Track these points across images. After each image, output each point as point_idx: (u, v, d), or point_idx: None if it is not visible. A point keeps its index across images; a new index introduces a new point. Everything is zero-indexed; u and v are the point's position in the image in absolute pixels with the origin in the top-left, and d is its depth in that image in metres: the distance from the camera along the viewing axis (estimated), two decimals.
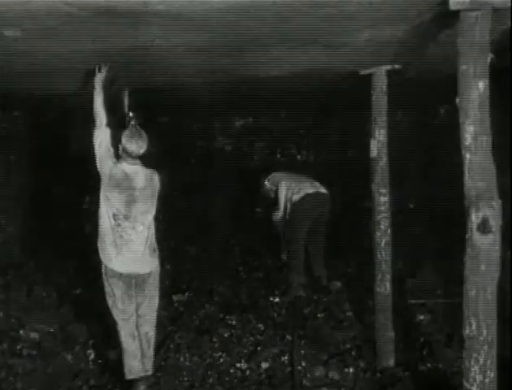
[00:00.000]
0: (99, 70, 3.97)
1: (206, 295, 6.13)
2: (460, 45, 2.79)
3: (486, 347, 2.83)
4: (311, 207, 5.98)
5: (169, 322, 5.37)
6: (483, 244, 2.77)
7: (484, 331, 2.82)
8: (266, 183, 6.52)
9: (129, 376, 3.96)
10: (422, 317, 5.15)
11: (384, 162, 4.21)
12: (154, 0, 2.62)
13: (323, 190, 6.13)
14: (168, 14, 2.83)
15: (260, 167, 8.42)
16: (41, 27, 2.99)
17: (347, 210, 7.87)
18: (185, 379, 4.31)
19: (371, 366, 4.32)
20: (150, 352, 4.05)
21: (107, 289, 3.96)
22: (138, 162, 3.91)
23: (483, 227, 2.75)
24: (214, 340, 4.98)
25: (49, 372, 4.38)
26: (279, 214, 6.25)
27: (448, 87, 3.34)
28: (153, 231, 3.98)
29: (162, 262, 7.03)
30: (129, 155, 3.85)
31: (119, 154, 3.90)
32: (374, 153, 4.22)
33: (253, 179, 7.26)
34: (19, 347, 4.78)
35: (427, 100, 7.32)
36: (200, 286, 6.43)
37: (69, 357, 4.64)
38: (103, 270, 3.93)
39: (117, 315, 3.96)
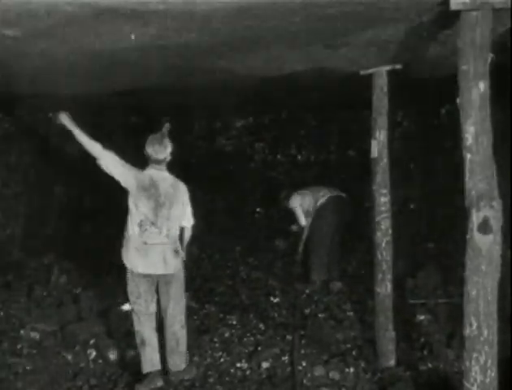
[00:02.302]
0: (58, 118, 4.08)
1: (206, 295, 6.13)
2: (460, 45, 2.79)
3: (486, 347, 2.83)
4: (336, 208, 6.33)
5: None
6: (484, 245, 2.77)
7: (485, 331, 2.83)
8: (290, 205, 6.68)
9: (149, 369, 4.11)
10: (422, 317, 5.15)
11: (384, 163, 4.21)
12: (154, 0, 2.62)
13: (343, 194, 6.49)
14: (168, 14, 2.83)
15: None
16: (41, 27, 2.99)
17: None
18: (186, 378, 4.30)
19: (372, 366, 4.32)
20: (180, 348, 4.21)
21: (130, 287, 4.11)
22: (163, 168, 4.10)
23: (484, 228, 2.75)
24: (215, 339, 4.98)
25: (50, 372, 4.38)
26: (295, 228, 6.66)
27: (448, 87, 3.34)
28: (177, 234, 4.14)
29: None
30: (151, 161, 4.05)
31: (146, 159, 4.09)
32: (374, 153, 4.22)
33: (253, 180, 7.29)
34: (19, 346, 4.78)
35: (427, 100, 7.32)
36: (200, 286, 6.43)
37: (69, 356, 4.63)
38: (128, 269, 4.08)
39: (140, 312, 4.11)
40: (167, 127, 4.37)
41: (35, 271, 6.90)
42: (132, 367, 4.46)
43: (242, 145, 9.17)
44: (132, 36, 3.25)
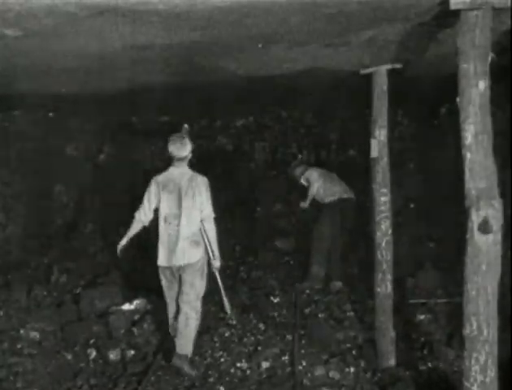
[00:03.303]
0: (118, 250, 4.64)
1: (206, 295, 6.12)
2: (460, 45, 2.79)
3: (486, 347, 2.83)
4: (344, 211, 6.33)
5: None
6: (484, 244, 2.77)
7: (485, 331, 2.83)
8: (301, 177, 6.73)
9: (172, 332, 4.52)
10: (422, 317, 5.15)
11: (384, 162, 4.21)
12: (154, 0, 2.62)
13: (352, 195, 6.47)
14: (168, 14, 2.83)
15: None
16: (41, 27, 2.99)
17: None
18: (186, 378, 4.31)
19: (372, 366, 4.32)
20: (187, 332, 4.36)
21: (160, 275, 4.48)
22: (184, 165, 4.42)
23: (484, 227, 2.75)
24: (215, 339, 4.98)
25: (50, 371, 4.38)
26: (305, 205, 6.60)
27: (448, 86, 3.34)
28: (197, 226, 4.37)
29: None
30: (174, 159, 4.40)
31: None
32: (374, 152, 4.21)
33: (254, 179, 7.27)
34: (19, 346, 4.78)
35: (427, 99, 7.32)
36: None
37: (69, 356, 4.64)
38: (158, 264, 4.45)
39: (165, 296, 4.52)
40: (185, 128, 4.58)
41: (35, 271, 6.90)
42: (132, 367, 4.46)
43: (242, 145, 9.17)
44: (133, 37, 3.26)
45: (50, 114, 7.83)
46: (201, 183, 4.38)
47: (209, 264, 4.52)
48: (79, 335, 4.89)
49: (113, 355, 4.61)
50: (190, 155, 4.45)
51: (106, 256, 7.71)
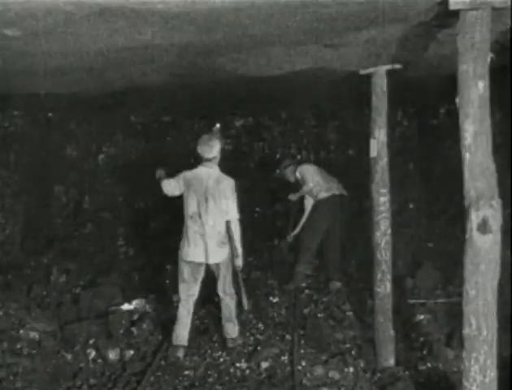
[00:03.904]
0: (157, 175, 4.79)
1: (206, 296, 6.12)
2: (460, 45, 2.79)
3: (486, 346, 2.83)
4: (335, 208, 6.24)
5: (169, 322, 5.37)
6: (484, 244, 2.77)
7: (484, 331, 2.83)
8: (295, 174, 6.60)
9: (175, 342, 4.65)
10: (422, 316, 5.15)
11: (383, 162, 4.21)
12: (154, 0, 2.62)
13: (344, 192, 6.39)
14: (168, 14, 2.83)
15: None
16: (41, 27, 2.99)
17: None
18: (185, 378, 4.31)
19: (371, 366, 4.32)
20: (232, 317, 4.75)
21: (180, 269, 4.67)
22: (213, 165, 4.58)
23: (483, 227, 2.75)
24: (214, 339, 4.98)
25: (49, 371, 4.38)
26: (294, 198, 6.56)
27: (448, 86, 3.34)
28: (223, 227, 4.53)
29: (163, 262, 7.10)
30: (203, 159, 4.56)
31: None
32: (374, 152, 4.22)
33: (253, 179, 7.26)
34: (19, 346, 4.77)
35: (427, 100, 7.33)
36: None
37: (69, 356, 4.63)
38: (179, 255, 4.65)
39: (182, 291, 4.67)
40: (217, 128, 4.64)
41: (35, 271, 6.90)
42: (131, 367, 4.46)
43: (242, 145, 9.16)
44: (133, 37, 3.26)
45: (50, 114, 7.84)
46: (228, 185, 4.52)
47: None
48: (78, 335, 4.88)
49: (112, 355, 4.61)
50: (219, 156, 4.62)
51: (105, 256, 7.73)
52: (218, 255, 4.57)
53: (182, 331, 4.65)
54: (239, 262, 4.61)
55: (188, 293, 4.65)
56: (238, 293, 4.77)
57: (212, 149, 4.55)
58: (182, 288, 4.67)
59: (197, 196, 4.51)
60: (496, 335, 2.86)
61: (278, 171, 6.85)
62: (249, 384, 4.17)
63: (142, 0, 2.62)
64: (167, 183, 4.68)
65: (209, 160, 4.56)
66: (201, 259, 4.55)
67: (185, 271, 4.62)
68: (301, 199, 6.57)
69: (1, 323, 5.15)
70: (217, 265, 4.62)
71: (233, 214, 4.51)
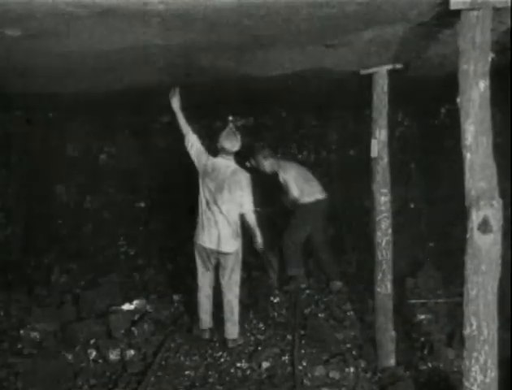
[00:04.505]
0: (172, 93, 4.85)
1: None
2: (460, 45, 2.79)
3: (486, 346, 2.83)
4: (319, 212, 6.21)
5: (169, 322, 5.38)
6: (484, 244, 2.77)
7: (485, 331, 2.83)
8: (279, 176, 6.32)
9: (201, 327, 4.94)
10: (422, 316, 5.15)
11: (384, 162, 4.21)
12: (154, 0, 2.62)
13: (325, 195, 6.27)
14: (168, 14, 2.83)
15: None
16: (41, 27, 2.99)
17: (347, 209, 7.88)
18: (186, 378, 4.31)
19: (372, 366, 4.32)
20: (234, 318, 4.79)
21: (196, 256, 4.84)
22: (231, 158, 4.76)
23: (484, 227, 2.75)
24: (215, 339, 4.98)
25: (50, 371, 4.37)
26: (288, 200, 6.32)
27: (448, 86, 3.34)
28: (237, 218, 4.69)
29: (163, 262, 7.11)
30: (225, 152, 4.73)
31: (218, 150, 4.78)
32: (374, 153, 4.22)
33: (253, 179, 7.20)
34: (19, 346, 4.79)
35: (427, 100, 7.32)
36: None
37: (69, 356, 4.63)
38: (194, 241, 4.81)
39: (199, 278, 4.88)
40: (232, 121, 4.77)
41: (35, 271, 6.91)
42: (132, 367, 4.47)
43: (242, 145, 9.14)
44: (133, 37, 3.26)
45: (50, 114, 7.84)
46: (244, 178, 4.68)
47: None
48: (79, 336, 4.88)
49: (113, 355, 4.62)
50: (237, 150, 4.79)
51: (106, 256, 7.73)
52: (229, 245, 4.66)
53: (204, 316, 4.91)
54: (259, 240, 4.76)
55: (203, 280, 4.84)
56: (266, 267, 5.06)
57: (238, 143, 4.73)
58: (198, 275, 4.85)
59: (213, 184, 4.64)
60: (497, 335, 2.86)
61: (253, 160, 6.43)
62: (250, 384, 4.17)
63: (143, 0, 2.62)
64: (191, 133, 4.83)
65: (230, 153, 4.72)
66: (212, 246, 4.66)
67: (199, 259, 4.80)
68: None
69: (1, 323, 5.16)
70: (227, 256, 4.68)
71: (248, 207, 4.67)
